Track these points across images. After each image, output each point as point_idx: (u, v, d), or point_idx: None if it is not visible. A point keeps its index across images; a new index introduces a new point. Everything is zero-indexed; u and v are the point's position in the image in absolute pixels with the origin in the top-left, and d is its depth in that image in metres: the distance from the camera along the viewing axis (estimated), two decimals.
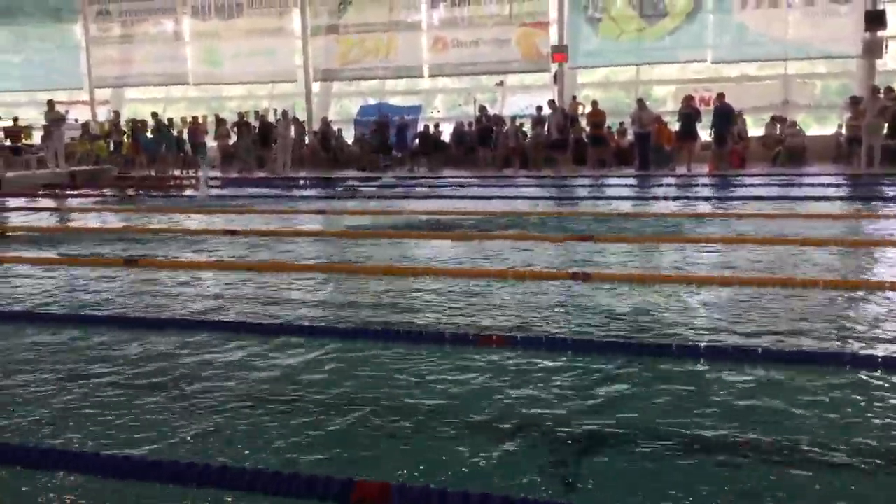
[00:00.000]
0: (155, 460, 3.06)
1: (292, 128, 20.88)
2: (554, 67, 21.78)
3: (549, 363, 4.44)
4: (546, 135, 19.35)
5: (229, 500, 2.90)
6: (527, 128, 20.25)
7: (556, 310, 5.67)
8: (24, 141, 20.98)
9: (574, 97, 20.75)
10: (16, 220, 12.03)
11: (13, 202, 14.31)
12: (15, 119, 21.73)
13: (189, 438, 3.50)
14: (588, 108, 19.40)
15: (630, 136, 19.52)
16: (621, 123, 20.44)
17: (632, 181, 16.52)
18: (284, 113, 20.77)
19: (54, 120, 18.87)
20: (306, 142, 22.27)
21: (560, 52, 21.33)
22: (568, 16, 21.97)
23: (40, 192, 16.34)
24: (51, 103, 19.17)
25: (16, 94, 27.12)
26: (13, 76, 26.84)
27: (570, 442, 3.43)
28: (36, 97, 26.55)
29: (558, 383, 4.13)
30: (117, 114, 22.37)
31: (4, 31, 26.59)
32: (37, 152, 19.70)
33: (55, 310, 5.96)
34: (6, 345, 5.04)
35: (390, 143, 21.08)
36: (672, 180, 16.23)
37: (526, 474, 3.12)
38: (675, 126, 18.93)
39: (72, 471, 3.13)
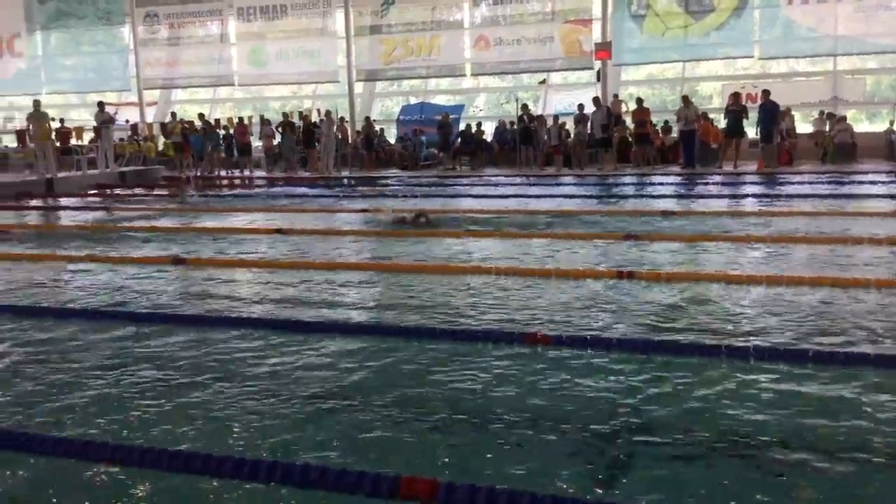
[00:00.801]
0: (207, 454, 3.11)
1: (335, 127, 21.05)
2: (597, 65, 21.62)
3: (595, 361, 4.42)
4: (589, 133, 19.22)
5: (279, 495, 2.94)
6: (569, 126, 20.12)
7: (601, 309, 5.64)
8: (74, 142, 21.43)
9: (616, 95, 20.59)
10: (67, 219, 12.33)
11: (65, 202, 14.65)
12: (62, 120, 22.28)
13: (239, 433, 3.55)
14: (632, 106, 19.21)
15: (675, 134, 19.31)
16: (666, 121, 20.23)
17: (677, 179, 16.32)
18: (328, 113, 20.95)
19: (104, 121, 19.27)
20: (349, 141, 22.43)
21: (604, 49, 21.17)
22: (612, 13, 21.78)
23: (91, 193, 16.71)
24: (101, 105, 19.59)
25: (67, 96, 27.81)
26: (64, 79, 27.53)
27: (617, 443, 3.41)
28: (86, 99, 27.25)
29: (605, 383, 4.10)
30: (174, 115, 22.80)
31: (57, 35, 27.25)
32: (87, 153, 20.12)
33: (106, 307, 6.09)
34: (59, 340, 5.16)
35: (450, 142, 21.11)
36: (718, 178, 16.00)
37: (570, 474, 3.11)
38: (721, 123, 18.67)
39: (127, 465, 3.19)
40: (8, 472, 3.23)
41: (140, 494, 3.04)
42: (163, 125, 24.15)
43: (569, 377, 4.19)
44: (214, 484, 3.03)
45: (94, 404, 3.97)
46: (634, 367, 4.34)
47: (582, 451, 3.34)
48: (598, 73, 21.52)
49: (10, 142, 23.42)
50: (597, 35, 21.86)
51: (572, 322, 5.26)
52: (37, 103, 17.75)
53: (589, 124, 19.15)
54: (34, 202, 14.79)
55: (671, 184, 15.42)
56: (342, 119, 21.57)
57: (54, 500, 3.02)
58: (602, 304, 5.76)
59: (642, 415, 3.68)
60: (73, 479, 3.15)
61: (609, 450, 3.34)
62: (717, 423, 3.57)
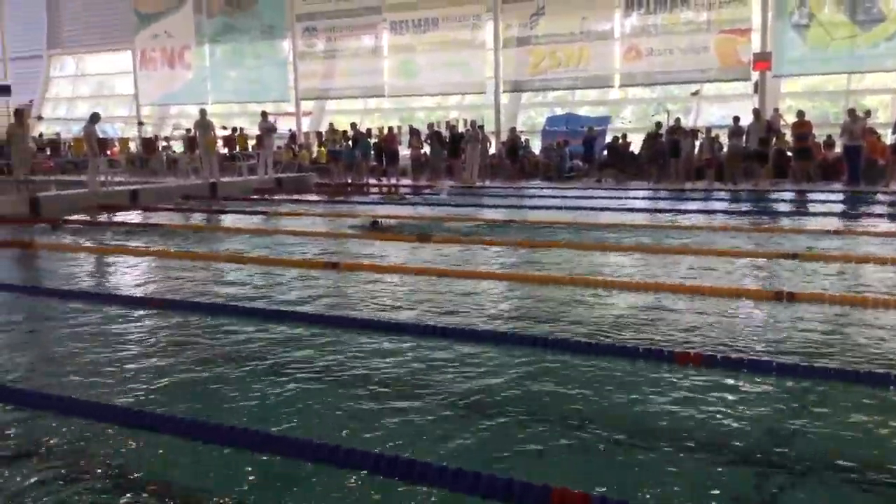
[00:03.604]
0: (364, 451, 3.19)
1: (481, 137, 21.23)
2: (755, 76, 20.74)
3: (749, 386, 4.24)
4: (744, 146, 18.43)
5: (428, 496, 2.99)
6: (723, 139, 19.37)
7: (757, 330, 5.39)
8: (240, 149, 22.72)
9: (776, 109, 19.67)
10: (229, 221, 13.07)
11: (228, 206, 15.54)
12: (233, 129, 23.64)
13: (389, 435, 3.63)
14: (791, 119, 18.29)
15: (838, 149, 18.21)
16: (828, 135, 19.12)
17: (840, 196, 15.39)
18: (472, 123, 21.19)
19: (266, 130, 20.32)
20: (492, 152, 22.57)
21: (763, 59, 20.32)
22: (772, 22, 20.84)
23: (251, 197, 17.65)
24: (264, 114, 20.68)
25: (229, 106, 29.54)
26: (228, 89, 29.25)
27: (767, 469, 3.25)
28: (247, 108, 28.87)
29: (759, 406, 3.93)
30: (332, 125, 23.82)
31: (223, 48, 29.00)
32: (247, 160, 21.28)
33: (260, 305, 6.39)
34: (212, 336, 5.48)
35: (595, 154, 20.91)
36: (886, 197, 14.95)
37: (719, 497, 3.00)
38: (888, 139, 17.44)
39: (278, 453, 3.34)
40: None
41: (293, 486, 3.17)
42: (318, 134, 25.21)
43: (720, 398, 4.04)
44: (354, 480, 3.12)
45: (261, 406, 4.19)
46: (791, 391, 4.14)
47: (731, 475, 3.22)
48: (756, 84, 20.64)
49: (180, 148, 25.11)
50: (755, 45, 20.98)
51: (723, 342, 5.06)
52: (202, 112, 18.98)
53: (744, 137, 18.37)
54: (198, 204, 15.76)
55: (834, 201, 14.54)
56: (481, 128, 21.69)
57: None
58: (757, 326, 5.51)
59: (796, 441, 3.51)
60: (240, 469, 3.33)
61: (759, 475, 3.19)
62: (870, 452, 3.35)
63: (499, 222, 11.95)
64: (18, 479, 3.23)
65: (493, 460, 3.31)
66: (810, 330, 5.30)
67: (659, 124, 19.69)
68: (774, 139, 18.42)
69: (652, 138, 19.99)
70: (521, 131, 23.40)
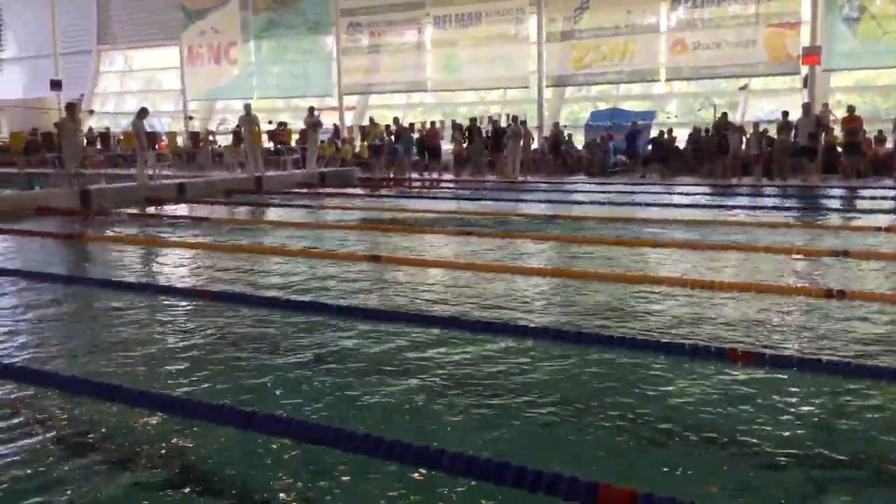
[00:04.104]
0: (407, 443, 3.21)
1: (522, 132, 21.11)
2: (804, 70, 20.34)
3: (798, 384, 4.17)
4: (793, 141, 18.08)
5: (473, 489, 3.00)
6: (771, 134, 19.02)
7: (806, 328, 5.30)
8: (284, 144, 22.91)
9: (826, 104, 19.25)
10: (273, 214, 13.22)
11: (273, 199, 15.72)
12: (280, 124, 23.87)
13: (434, 428, 3.65)
14: (841, 114, 17.89)
15: (889, 145, 17.77)
16: (880, 131, 18.68)
17: (891, 193, 15.02)
18: (514, 118, 21.12)
19: (312, 125, 20.48)
20: (534, 147, 22.45)
21: (812, 53, 19.89)
22: (822, 15, 20.40)
23: (295, 191, 17.83)
24: (311, 109, 20.84)
25: (274, 101, 29.83)
26: (272, 85, 29.54)
27: (814, 470, 3.20)
28: (290, 103, 29.13)
29: (807, 405, 3.87)
30: (372, 120, 23.92)
31: (267, 44, 29.29)
32: (292, 154, 21.46)
33: (304, 297, 6.46)
34: (259, 324, 5.55)
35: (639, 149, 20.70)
36: None
37: (765, 497, 2.97)
38: None
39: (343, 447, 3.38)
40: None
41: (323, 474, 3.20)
42: (361, 128, 25.33)
43: (767, 396, 3.99)
44: (418, 475, 3.14)
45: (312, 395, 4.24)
46: (840, 390, 4.07)
47: (777, 475, 3.18)
48: (805, 78, 20.23)
49: (225, 142, 25.42)
50: (805, 39, 20.56)
51: (772, 340, 4.99)
52: (247, 107, 19.19)
53: (793, 132, 18.02)
54: (244, 198, 15.96)
55: (885, 198, 14.20)
56: (524, 123, 21.56)
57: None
58: (806, 323, 5.42)
59: (844, 441, 3.45)
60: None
61: (806, 476, 3.15)
62: None
63: (540, 217, 11.91)
64: (72, 464, 3.31)
65: (540, 455, 3.30)
66: (860, 328, 5.19)
67: (720, 117, 19.24)
68: (824, 134, 18.02)
69: (698, 133, 19.73)
70: (565, 126, 23.25)
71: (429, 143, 22.00)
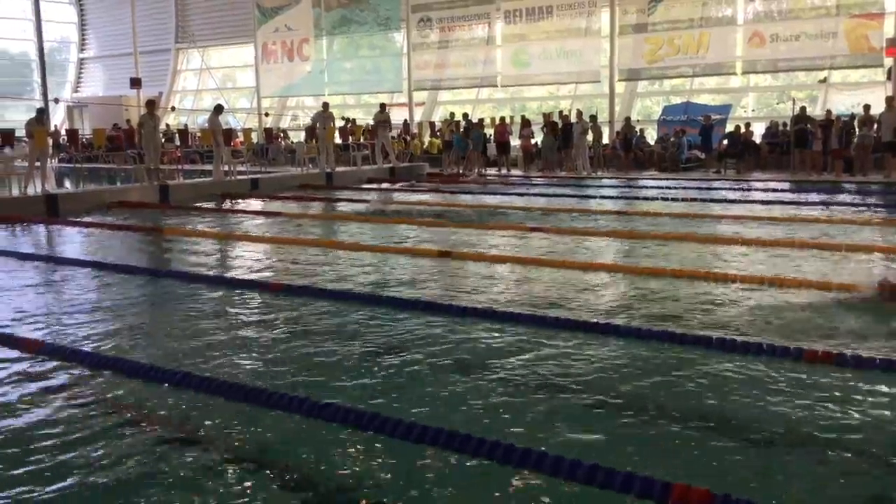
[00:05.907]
0: (481, 438, 3.22)
1: (590, 127, 20.86)
2: (888, 62, 19.56)
3: (883, 387, 4.03)
4: (876, 137, 17.41)
5: (546, 487, 2.99)
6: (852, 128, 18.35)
7: (890, 329, 5.12)
8: (354, 140, 23.17)
9: None
10: (343, 209, 13.39)
11: (342, 194, 15.92)
12: (349, 120, 24.15)
13: (507, 424, 3.65)
14: None
15: None
16: None
17: None
18: (579, 113, 20.91)
19: (382, 121, 20.67)
20: (605, 142, 22.17)
21: None
22: None
23: (363, 186, 18.03)
24: (382, 106, 21.06)
25: (344, 97, 30.19)
26: (344, 81, 29.88)
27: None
28: (360, 99, 29.42)
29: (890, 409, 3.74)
30: (452, 115, 23.99)
31: (339, 40, 29.65)
32: (362, 150, 21.70)
33: (374, 291, 6.54)
34: (327, 319, 5.63)
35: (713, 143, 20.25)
36: None
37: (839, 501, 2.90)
38: None
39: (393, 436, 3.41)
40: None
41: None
42: (431, 124, 25.42)
43: (848, 399, 3.89)
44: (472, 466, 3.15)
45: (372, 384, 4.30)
46: None
47: (854, 479, 3.11)
48: (889, 71, 19.46)
49: (297, 139, 25.84)
50: (888, 30, 19.77)
51: (853, 341, 4.84)
52: (325, 105, 19.51)
53: (875, 126, 17.36)
54: (314, 193, 16.22)
55: None
56: (593, 118, 21.30)
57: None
58: (890, 325, 5.23)
59: None
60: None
61: (883, 483, 3.04)
62: None
63: (610, 212, 11.78)
64: (133, 444, 3.43)
65: (616, 453, 3.27)
66: None
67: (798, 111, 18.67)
68: None
69: (776, 127, 19.18)
70: (637, 121, 22.88)
71: (498, 138, 21.95)
